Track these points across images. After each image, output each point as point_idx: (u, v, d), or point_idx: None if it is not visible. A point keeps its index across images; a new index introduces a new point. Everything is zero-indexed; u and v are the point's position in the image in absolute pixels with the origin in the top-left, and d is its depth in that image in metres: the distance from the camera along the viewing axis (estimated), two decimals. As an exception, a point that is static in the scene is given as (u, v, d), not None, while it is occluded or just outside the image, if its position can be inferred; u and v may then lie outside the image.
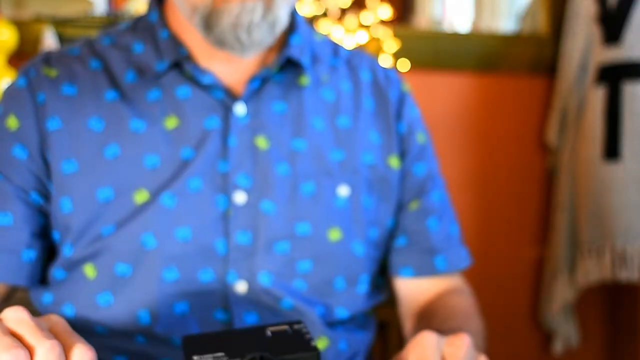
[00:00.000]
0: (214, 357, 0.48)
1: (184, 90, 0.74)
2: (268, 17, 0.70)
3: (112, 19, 1.61)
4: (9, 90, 0.75)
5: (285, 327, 0.52)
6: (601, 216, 1.63)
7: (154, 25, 0.78)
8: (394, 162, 0.81)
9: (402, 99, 0.84)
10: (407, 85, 0.87)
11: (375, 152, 0.80)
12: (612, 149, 1.62)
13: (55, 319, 0.49)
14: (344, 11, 1.72)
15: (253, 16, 0.69)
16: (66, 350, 0.46)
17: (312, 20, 1.69)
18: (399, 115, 0.83)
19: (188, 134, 0.73)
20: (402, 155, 0.82)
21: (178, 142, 0.72)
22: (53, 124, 0.72)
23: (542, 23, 1.85)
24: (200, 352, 0.48)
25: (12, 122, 0.73)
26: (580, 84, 1.71)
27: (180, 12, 0.75)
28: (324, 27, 1.68)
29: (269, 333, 0.51)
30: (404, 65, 1.69)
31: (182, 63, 0.74)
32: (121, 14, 1.66)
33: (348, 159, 0.78)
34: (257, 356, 0.48)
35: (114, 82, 0.75)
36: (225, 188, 0.72)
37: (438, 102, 1.81)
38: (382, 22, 1.72)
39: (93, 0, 1.70)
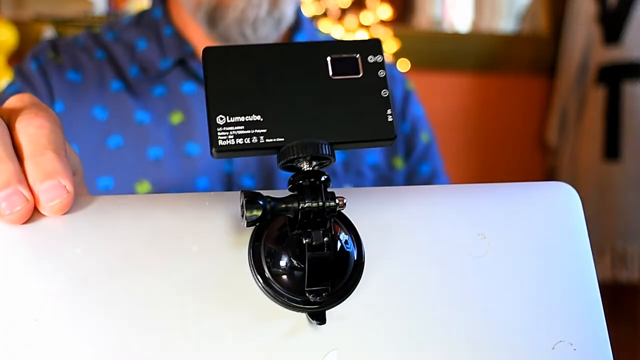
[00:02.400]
0: (246, 125, 0.32)
1: (189, 87, 0.74)
2: (274, 13, 0.69)
3: (112, 19, 1.60)
4: (22, 72, 0.74)
5: (354, 56, 0.34)
6: (601, 216, 1.63)
7: (157, 21, 0.77)
8: (398, 162, 0.81)
9: (405, 98, 0.83)
10: (411, 83, 0.86)
11: (379, 153, 0.79)
12: (612, 149, 1.62)
13: (21, 95, 0.38)
14: (344, 11, 1.72)
15: (259, 11, 0.68)
16: (12, 122, 0.35)
17: (312, 20, 1.69)
18: (402, 115, 0.82)
19: (193, 129, 0.72)
20: (407, 155, 0.82)
21: (183, 137, 0.72)
22: (57, 108, 0.72)
23: (542, 23, 1.85)
24: (227, 111, 0.32)
25: None
26: (580, 84, 1.72)
27: (184, 8, 0.75)
28: (324, 27, 1.68)
29: (329, 69, 0.34)
30: (404, 65, 1.69)
31: (186, 60, 0.74)
32: (121, 13, 1.65)
33: (351, 159, 0.77)
34: (308, 154, 0.32)
35: (119, 73, 0.74)
36: (231, 189, 0.72)
37: (438, 102, 1.81)
38: (382, 22, 1.72)
39: (93, 0, 1.70)
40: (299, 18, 0.80)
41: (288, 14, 0.71)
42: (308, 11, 1.68)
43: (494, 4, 1.98)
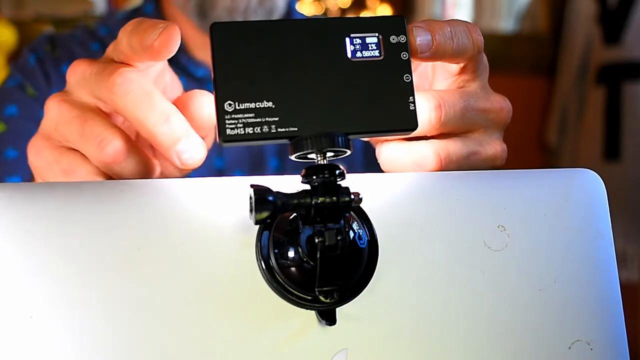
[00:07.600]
0: (257, 113, 0.30)
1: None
2: (265, 3, 0.69)
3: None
4: (21, 66, 0.76)
5: (375, 35, 0.31)
6: (601, 216, 1.63)
7: (149, 16, 0.77)
8: None
9: None
10: None
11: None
12: (612, 149, 1.62)
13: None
14: (343, 11, 1.72)
15: (250, 1, 0.68)
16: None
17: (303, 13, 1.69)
18: None
19: None
20: None
21: None
22: None
23: (542, 23, 1.85)
24: (236, 96, 0.29)
25: (31, 92, 0.73)
26: (580, 84, 1.71)
27: (174, 1, 0.75)
28: (324, 27, 1.68)
29: (347, 50, 0.31)
30: (404, 65, 1.69)
31: (176, 55, 0.74)
32: (121, 14, 1.66)
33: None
34: (322, 147, 0.30)
35: None
36: None
37: (438, 102, 1.81)
38: (382, 22, 1.73)
39: (93, 0, 1.70)
40: (290, 10, 0.80)
41: (279, 4, 0.71)
42: (308, 11, 1.68)
43: (494, 4, 1.98)
